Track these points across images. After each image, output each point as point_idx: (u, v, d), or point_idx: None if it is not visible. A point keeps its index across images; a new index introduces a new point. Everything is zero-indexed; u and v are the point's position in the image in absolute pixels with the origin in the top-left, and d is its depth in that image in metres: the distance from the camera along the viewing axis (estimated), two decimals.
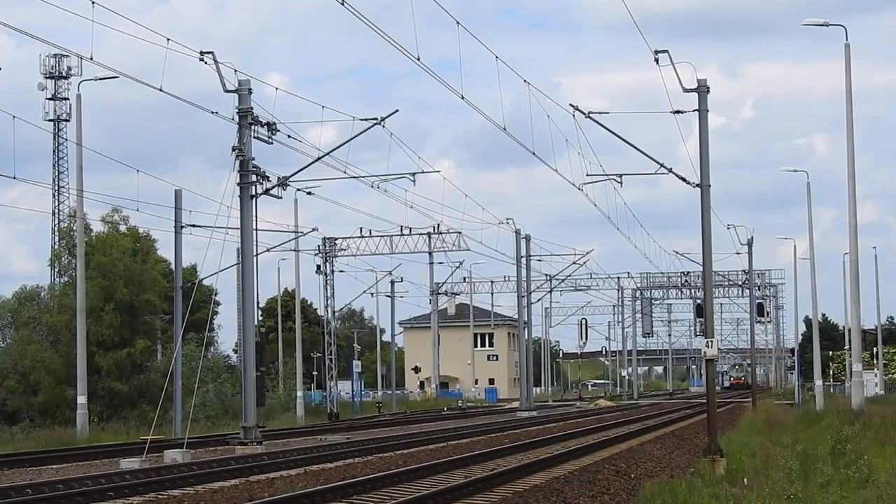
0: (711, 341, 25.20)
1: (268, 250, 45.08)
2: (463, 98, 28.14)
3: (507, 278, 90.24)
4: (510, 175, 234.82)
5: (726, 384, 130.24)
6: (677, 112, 26.63)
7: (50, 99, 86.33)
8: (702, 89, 25.74)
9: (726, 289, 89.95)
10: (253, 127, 32.16)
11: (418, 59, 24.57)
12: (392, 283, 73.89)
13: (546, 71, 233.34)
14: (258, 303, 43.07)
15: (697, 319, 77.65)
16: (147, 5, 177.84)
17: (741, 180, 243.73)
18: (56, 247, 74.72)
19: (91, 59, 26.29)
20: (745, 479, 19.65)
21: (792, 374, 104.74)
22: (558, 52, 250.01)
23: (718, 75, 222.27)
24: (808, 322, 78.77)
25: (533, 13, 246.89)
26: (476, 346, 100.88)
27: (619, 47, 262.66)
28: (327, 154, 34.60)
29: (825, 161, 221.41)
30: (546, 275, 73.60)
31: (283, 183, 33.56)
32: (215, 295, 59.15)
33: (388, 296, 75.04)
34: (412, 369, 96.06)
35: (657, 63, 24.94)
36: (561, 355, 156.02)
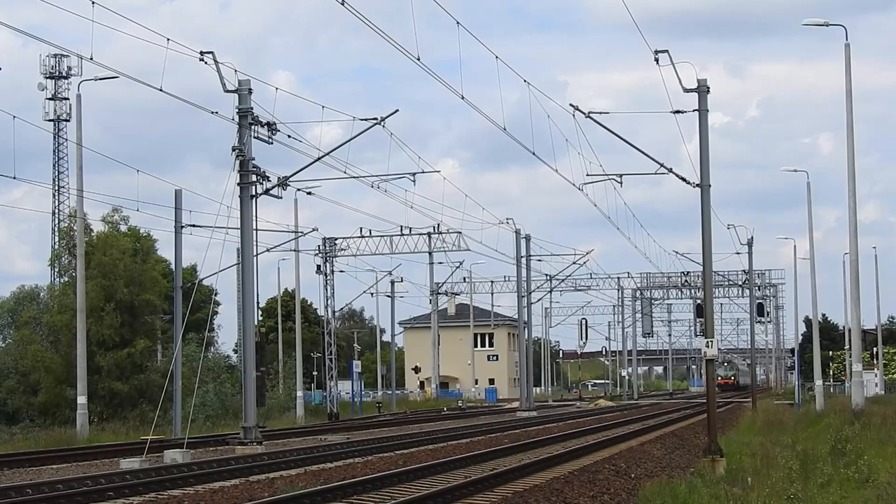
0: (711, 341, 25.20)
1: (268, 250, 45.09)
2: (463, 98, 28.17)
3: (507, 278, 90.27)
4: (514, 175, 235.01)
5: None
6: (677, 112, 26.62)
7: (50, 99, 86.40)
8: (702, 89, 25.73)
9: (726, 289, 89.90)
10: (253, 127, 32.14)
11: (418, 60, 24.60)
12: (392, 283, 73.94)
13: (553, 71, 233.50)
14: (258, 303, 43.04)
15: (697, 319, 77.55)
16: (152, 4, 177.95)
17: (745, 180, 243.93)
18: (56, 247, 74.81)
19: (91, 59, 26.32)
20: (750, 479, 19.63)
21: (792, 374, 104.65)
22: (565, 53, 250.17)
23: (724, 75, 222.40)
24: (808, 322, 78.74)
25: (540, 13, 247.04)
26: (476, 346, 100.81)
27: (624, 47, 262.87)
28: (327, 154, 34.58)
29: (829, 160, 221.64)
30: (546, 275, 73.65)
31: (283, 183, 33.54)
32: (215, 295, 59.20)
33: (388, 296, 75.08)
34: (412, 369, 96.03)
35: (657, 63, 24.94)
36: (561, 355, 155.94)
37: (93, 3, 25.13)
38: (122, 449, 30.23)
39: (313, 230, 51.28)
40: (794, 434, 32.87)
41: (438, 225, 58.45)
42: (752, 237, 62.04)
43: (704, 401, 27.74)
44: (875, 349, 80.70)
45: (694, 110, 25.96)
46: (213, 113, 32.36)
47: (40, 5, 28.49)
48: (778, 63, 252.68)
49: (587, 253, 68.72)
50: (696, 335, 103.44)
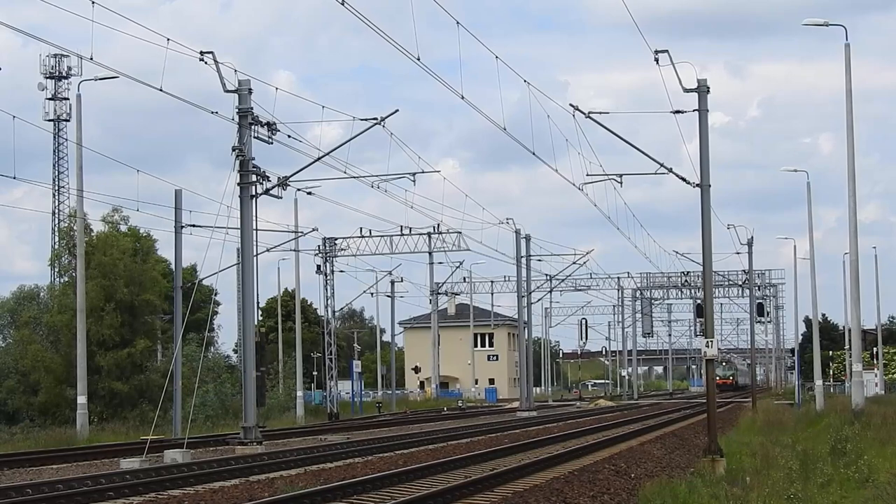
0: (711, 341, 25.19)
1: (268, 250, 45.10)
2: (463, 98, 28.18)
3: (507, 278, 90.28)
4: (514, 175, 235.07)
5: None
6: (677, 112, 26.60)
7: (50, 99, 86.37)
8: (702, 89, 25.72)
9: (726, 289, 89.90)
10: (253, 127, 32.15)
11: (418, 60, 24.61)
12: (392, 283, 73.96)
13: (553, 71, 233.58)
14: (258, 303, 43.06)
15: (697, 319, 77.57)
16: (152, 4, 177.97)
17: (745, 180, 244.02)
18: (56, 247, 74.81)
19: (91, 59, 26.32)
20: (749, 479, 19.64)
21: (792, 374, 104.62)
22: (565, 52, 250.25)
23: (724, 75, 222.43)
24: (808, 322, 78.74)
25: (540, 13, 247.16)
26: (476, 346, 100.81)
27: (624, 47, 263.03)
28: (327, 154, 34.59)
29: (830, 160, 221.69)
30: (546, 275, 73.65)
31: (283, 183, 33.55)
32: (215, 295, 59.19)
33: (388, 296, 75.09)
34: (412, 369, 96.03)
35: (657, 63, 24.92)
36: (561, 355, 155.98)
37: (93, 3, 25.14)
38: (122, 449, 30.23)
39: (313, 230, 51.33)
40: (794, 434, 32.86)
41: (438, 225, 58.51)
42: (752, 237, 62.09)
43: (704, 401, 27.75)
44: (875, 349, 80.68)
45: (694, 110, 25.94)
46: (213, 113, 32.42)
47: (40, 5, 28.53)
48: (778, 63, 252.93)
49: (587, 253, 68.78)
50: (696, 335, 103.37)
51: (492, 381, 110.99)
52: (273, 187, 33.24)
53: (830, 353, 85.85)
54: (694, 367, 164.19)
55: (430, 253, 68.05)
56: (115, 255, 51.44)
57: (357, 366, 66.39)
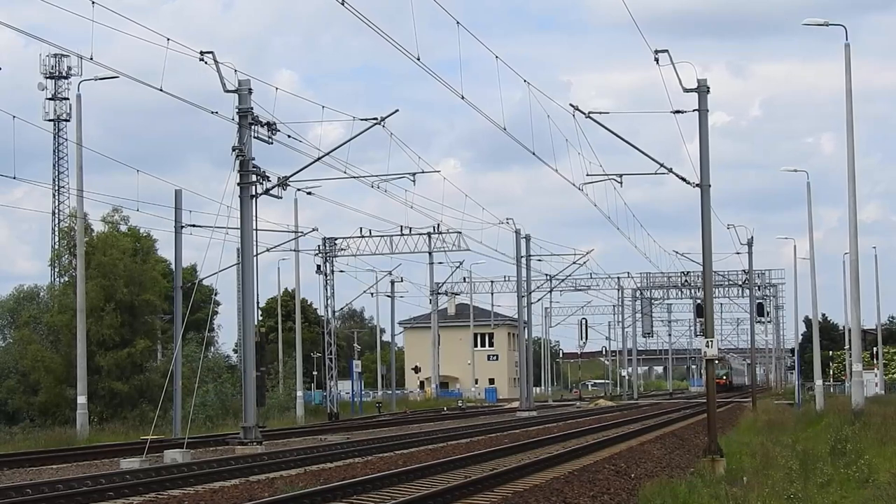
0: (711, 341, 25.19)
1: (268, 250, 45.08)
2: (463, 98, 28.17)
3: (507, 278, 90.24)
4: (515, 175, 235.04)
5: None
6: (677, 112, 26.59)
7: (50, 99, 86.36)
8: (702, 89, 25.70)
9: (726, 289, 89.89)
10: (253, 127, 32.15)
11: (418, 60, 24.61)
12: (392, 283, 73.94)
13: (553, 71, 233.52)
14: (258, 303, 43.03)
15: (697, 319, 77.58)
16: (153, 4, 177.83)
17: (746, 180, 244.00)
18: (56, 247, 74.84)
19: (91, 59, 26.33)
20: (745, 479, 19.63)
21: (792, 373, 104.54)
22: (565, 53, 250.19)
23: (726, 74, 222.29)
24: (808, 322, 78.75)
25: (540, 13, 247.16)
26: (476, 346, 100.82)
27: (625, 47, 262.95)
28: (327, 154, 34.60)
29: (832, 160, 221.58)
30: (546, 275, 73.62)
31: (283, 183, 33.55)
32: (215, 295, 59.19)
33: (388, 296, 75.08)
34: (412, 369, 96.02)
35: (657, 63, 24.91)
36: (561, 355, 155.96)
37: (93, 3, 25.15)
38: (122, 449, 30.23)
39: (313, 230, 51.32)
40: (794, 434, 32.86)
41: (438, 225, 58.48)
42: (752, 237, 62.12)
43: (704, 401, 27.74)
44: (875, 349, 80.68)
45: (694, 110, 25.92)
46: (213, 113, 32.42)
47: (40, 5, 28.56)
48: (779, 63, 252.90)
49: (587, 253, 68.76)
50: (696, 335, 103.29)
51: (492, 381, 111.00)
52: (273, 187, 33.24)
53: (830, 353, 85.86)
54: (694, 367, 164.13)
55: (430, 253, 68.03)
56: (115, 255, 51.46)
57: (357, 366, 66.39)
